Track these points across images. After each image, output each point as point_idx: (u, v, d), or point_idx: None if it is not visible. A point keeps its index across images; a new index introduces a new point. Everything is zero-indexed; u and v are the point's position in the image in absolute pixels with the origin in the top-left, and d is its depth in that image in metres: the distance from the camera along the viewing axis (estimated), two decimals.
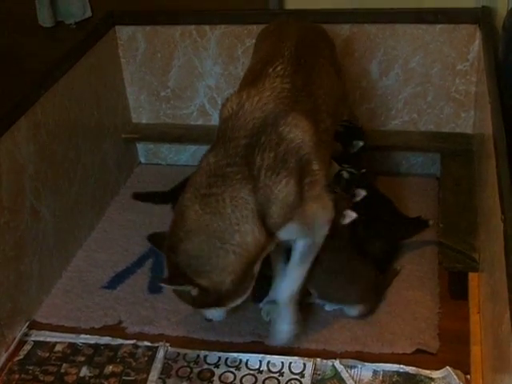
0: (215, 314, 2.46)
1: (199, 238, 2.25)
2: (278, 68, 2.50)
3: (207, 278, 2.25)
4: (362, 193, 2.72)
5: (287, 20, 3.06)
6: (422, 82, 3.36)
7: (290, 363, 2.54)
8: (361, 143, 3.05)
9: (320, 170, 2.40)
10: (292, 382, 2.48)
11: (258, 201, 2.24)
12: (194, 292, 2.27)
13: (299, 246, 2.49)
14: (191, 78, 3.55)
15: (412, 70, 3.34)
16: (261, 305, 2.74)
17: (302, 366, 2.52)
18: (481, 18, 3.15)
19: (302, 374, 2.50)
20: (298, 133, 2.33)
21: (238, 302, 2.37)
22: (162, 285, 2.41)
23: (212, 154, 2.33)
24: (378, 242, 2.84)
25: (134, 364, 2.59)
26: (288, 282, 2.55)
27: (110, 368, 2.59)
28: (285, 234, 2.37)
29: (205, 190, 2.26)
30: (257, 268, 2.35)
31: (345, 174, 2.84)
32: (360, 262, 2.71)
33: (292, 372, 2.51)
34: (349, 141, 3.06)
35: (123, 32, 3.52)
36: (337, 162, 2.92)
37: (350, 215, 2.56)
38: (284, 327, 2.58)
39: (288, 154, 2.29)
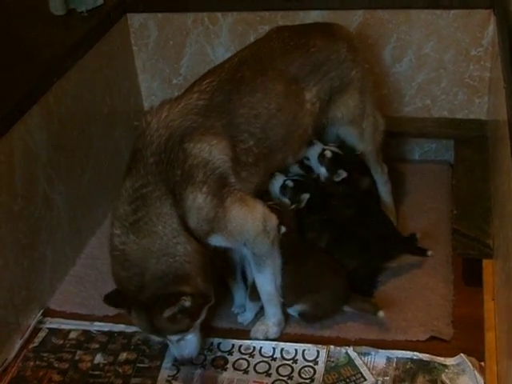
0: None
1: (152, 262, 2.26)
2: (205, 81, 2.48)
3: (185, 285, 2.27)
4: (305, 196, 2.73)
5: (285, 26, 2.93)
6: (435, 67, 3.33)
7: (304, 350, 2.54)
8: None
9: (238, 183, 2.41)
10: (306, 369, 2.48)
11: (179, 213, 2.28)
12: (188, 302, 2.26)
13: (247, 255, 2.53)
14: (203, 65, 3.53)
15: (425, 55, 3.31)
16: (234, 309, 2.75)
17: (316, 353, 2.53)
18: (495, 2, 3.11)
19: (315, 361, 2.50)
20: (203, 147, 2.33)
21: (213, 290, 2.40)
22: (165, 316, 2.25)
23: (127, 179, 2.34)
24: (349, 260, 2.71)
25: (147, 351, 2.60)
26: (259, 288, 2.57)
27: (124, 355, 2.60)
28: (215, 242, 2.42)
29: (131, 217, 2.28)
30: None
31: (289, 183, 2.78)
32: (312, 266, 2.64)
33: (306, 359, 2.51)
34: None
35: (135, 19, 3.52)
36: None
37: (282, 228, 2.55)
38: (268, 323, 2.62)
39: (194, 168, 2.30)
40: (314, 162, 2.92)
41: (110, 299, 2.35)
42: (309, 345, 2.56)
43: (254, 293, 2.61)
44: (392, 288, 2.78)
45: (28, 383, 2.53)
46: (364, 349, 2.51)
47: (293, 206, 2.75)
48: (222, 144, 2.37)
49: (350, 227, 2.79)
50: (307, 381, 2.44)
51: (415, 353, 2.47)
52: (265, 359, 2.53)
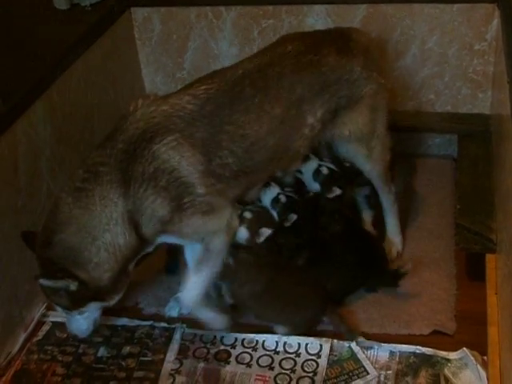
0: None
1: (70, 230, 2.26)
2: (203, 87, 2.40)
3: (84, 271, 2.26)
4: (293, 217, 2.66)
5: (301, 35, 2.75)
6: (439, 62, 3.33)
7: (307, 344, 2.55)
8: (294, 216, 2.69)
9: (207, 194, 2.35)
10: (308, 362, 2.49)
11: (128, 207, 2.26)
12: (73, 286, 2.24)
13: (192, 251, 2.50)
14: (207, 59, 3.54)
15: (429, 50, 3.31)
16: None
17: (319, 346, 2.53)
18: None
19: (318, 355, 2.50)
20: (174, 155, 2.29)
21: (116, 298, 2.38)
22: (40, 282, 2.26)
23: (95, 150, 2.35)
24: (326, 280, 2.65)
25: (151, 345, 2.61)
26: (188, 288, 2.51)
27: (127, 349, 2.61)
28: (165, 240, 2.41)
29: (79, 183, 2.29)
30: (131, 266, 2.38)
31: (282, 198, 2.68)
32: (291, 283, 2.59)
33: (308, 353, 2.52)
34: (285, 212, 2.72)
35: (138, 13, 3.51)
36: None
37: (265, 232, 2.53)
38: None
39: (159, 172, 2.27)
40: (307, 176, 2.81)
41: (26, 237, 2.41)
42: (311, 338, 2.56)
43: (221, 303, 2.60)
44: None
45: (32, 376, 2.54)
46: (367, 343, 2.51)
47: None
48: (194, 157, 2.32)
49: (331, 248, 2.71)
50: (310, 374, 2.44)
51: (418, 347, 2.48)
52: (268, 353, 2.54)
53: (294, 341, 2.56)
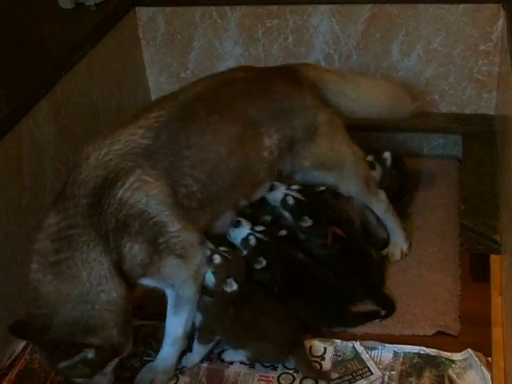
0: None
1: (66, 307, 2.14)
2: (153, 115, 2.33)
3: (95, 336, 2.17)
4: (262, 261, 2.51)
5: (252, 67, 2.81)
6: (443, 62, 3.32)
7: (311, 347, 2.53)
8: (263, 261, 2.56)
9: (179, 231, 2.29)
10: (312, 364, 2.47)
11: (112, 259, 2.18)
12: (91, 354, 2.13)
13: (169, 297, 2.44)
14: (211, 59, 3.53)
15: (434, 50, 3.30)
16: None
17: (323, 349, 2.52)
18: None
19: (322, 357, 2.50)
20: (140, 197, 2.21)
21: (130, 345, 2.31)
22: (60, 366, 2.15)
23: (53, 213, 2.20)
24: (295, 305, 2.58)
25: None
26: (169, 330, 2.46)
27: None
28: (145, 282, 2.36)
29: (52, 256, 2.15)
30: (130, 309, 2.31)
31: (252, 240, 2.54)
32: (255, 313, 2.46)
33: (313, 355, 2.51)
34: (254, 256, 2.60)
35: (143, 13, 3.51)
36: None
37: (231, 285, 2.40)
38: (156, 370, 2.46)
39: (130, 218, 2.20)
40: (277, 205, 2.69)
41: (14, 330, 2.24)
42: (315, 341, 2.55)
43: (203, 335, 2.48)
44: (399, 283, 2.77)
45: (36, 376, 2.54)
46: (371, 343, 2.51)
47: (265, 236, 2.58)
48: (160, 193, 2.25)
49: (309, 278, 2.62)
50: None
51: (422, 347, 2.47)
52: None
53: None
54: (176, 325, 2.44)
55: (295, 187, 2.68)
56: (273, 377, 2.44)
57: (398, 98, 2.96)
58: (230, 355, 2.52)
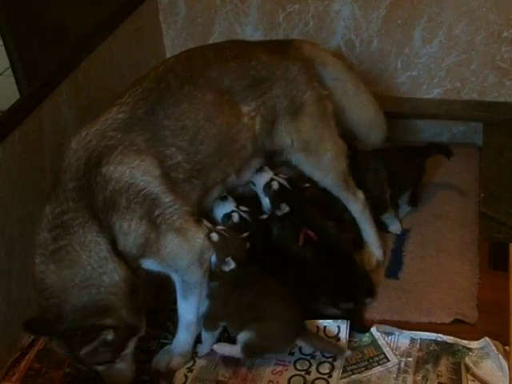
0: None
1: (73, 294, 2.12)
2: (126, 93, 2.33)
3: (109, 318, 2.15)
4: (231, 264, 2.42)
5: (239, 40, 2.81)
6: (466, 49, 3.29)
7: (325, 327, 2.52)
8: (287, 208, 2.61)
9: (174, 200, 2.27)
10: None
11: (108, 240, 2.16)
12: (110, 335, 2.13)
13: (176, 282, 2.40)
14: None
15: (456, 37, 3.27)
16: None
17: (337, 328, 2.51)
18: None
19: (337, 337, 2.49)
20: (123, 169, 2.18)
21: (144, 320, 2.28)
22: (82, 353, 2.12)
23: (47, 203, 2.19)
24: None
25: (171, 328, 2.61)
26: (180, 315, 2.46)
27: (148, 331, 2.61)
28: (147, 265, 2.32)
29: (52, 245, 2.14)
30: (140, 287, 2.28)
31: (235, 217, 2.56)
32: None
33: (327, 336, 2.50)
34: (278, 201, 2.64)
35: None
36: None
37: (229, 264, 2.39)
38: (172, 352, 2.48)
39: (116, 194, 2.17)
40: (259, 190, 2.69)
41: (30, 326, 2.20)
42: (329, 320, 2.53)
43: (208, 321, 2.46)
44: (417, 270, 2.77)
45: (54, 355, 2.55)
46: (388, 328, 2.51)
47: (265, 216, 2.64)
48: (144, 163, 2.23)
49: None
50: (329, 359, 2.44)
51: (439, 335, 2.47)
52: None
53: (311, 324, 2.54)
54: (186, 310, 2.44)
55: (283, 176, 2.68)
56: (289, 361, 2.45)
57: (380, 119, 2.92)
58: (222, 348, 2.48)
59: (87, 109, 2.91)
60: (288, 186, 2.67)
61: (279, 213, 2.65)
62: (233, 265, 2.40)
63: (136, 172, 2.21)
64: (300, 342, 2.44)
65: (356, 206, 2.79)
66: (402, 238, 2.95)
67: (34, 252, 2.18)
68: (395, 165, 2.92)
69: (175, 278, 2.40)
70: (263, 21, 3.44)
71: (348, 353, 2.41)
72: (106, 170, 2.18)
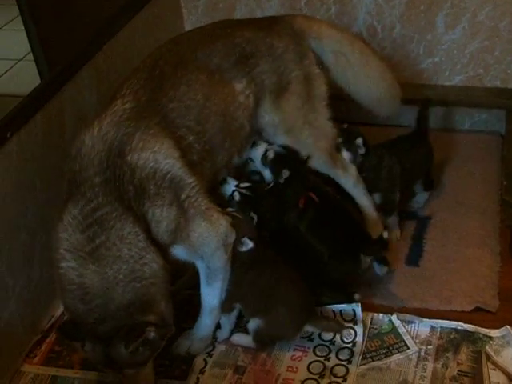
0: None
1: (118, 291, 2.09)
2: (123, 86, 2.33)
3: (151, 314, 2.13)
4: (249, 244, 2.42)
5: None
6: (489, 35, 3.26)
7: (341, 311, 2.53)
8: (287, 173, 2.61)
9: (196, 181, 2.26)
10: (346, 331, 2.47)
11: (144, 228, 2.14)
12: (153, 333, 2.09)
13: (200, 268, 2.40)
14: None
15: (480, 23, 3.24)
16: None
17: (353, 312, 2.52)
18: None
19: (354, 321, 2.50)
20: (147, 155, 2.17)
21: (173, 318, 2.25)
22: (128, 350, 2.07)
23: (71, 205, 2.12)
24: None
25: (191, 312, 2.61)
26: (204, 300, 2.45)
27: None
28: (176, 253, 2.30)
29: (88, 246, 2.09)
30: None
31: (236, 196, 2.56)
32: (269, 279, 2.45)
33: (345, 320, 2.51)
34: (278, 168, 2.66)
35: None
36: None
37: (247, 244, 2.40)
38: (193, 337, 2.49)
39: (145, 181, 2.15)
40: (258, 164, 2.71)
41: (64, 331, 2.16)
42: (343, 305, 2.53)
43: (223, 304, 2.46)
44: (438, 258, 2.76)
45: None
46: (408, 317, 2.50)
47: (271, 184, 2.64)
48: (164, 147, 2.22)
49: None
50: (349, 345, 2.44)
51: (460, 323, 2.46)
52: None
53: (328, 309, 2.54)
54: (210, 295, 2.44)
55: (276, 147, 2.68)
56: (308, 347, 2.45)
57: (394, 92, 2.87)
58: (237, 338, 2.51)
59: (108, 93, 2.91)
60: (283, 151, 2.66)
61: (281, 180, 2.63)
62: (250, 244, 2.41)
63: (159, 156, 2.20)
64: (308, 327, 2.44)
65: (347, 180, 2.78)
66: (422, 225, 2.94)
67: (63, 259, 2.11)
68: (406, 157, 2.89)
69: (199, 265, 2.39)
70: (285, 6, 3.43)
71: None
72: (131, 158, 2.16)
